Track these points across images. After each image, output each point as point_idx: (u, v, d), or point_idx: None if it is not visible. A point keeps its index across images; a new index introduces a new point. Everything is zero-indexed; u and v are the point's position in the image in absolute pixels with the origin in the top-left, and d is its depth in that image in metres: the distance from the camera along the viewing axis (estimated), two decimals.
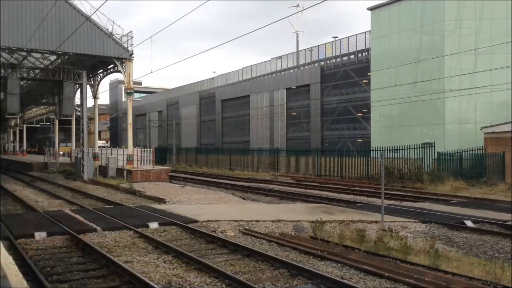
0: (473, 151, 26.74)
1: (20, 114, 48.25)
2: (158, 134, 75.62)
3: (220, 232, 11.77)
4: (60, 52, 28.24)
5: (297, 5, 56.83)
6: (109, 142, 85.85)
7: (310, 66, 48.68)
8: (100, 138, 72.63)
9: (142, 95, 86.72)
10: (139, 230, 11.85)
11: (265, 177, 33.25)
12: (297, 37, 57.39)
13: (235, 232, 11.89)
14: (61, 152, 32.91)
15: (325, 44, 46.84)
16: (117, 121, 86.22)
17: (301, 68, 49.90)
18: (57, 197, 20.84)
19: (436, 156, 26.98)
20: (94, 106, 35.32)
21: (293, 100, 50.41)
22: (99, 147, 40.18)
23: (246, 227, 12.37)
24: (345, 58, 44.01)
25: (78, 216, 13.86)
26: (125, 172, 28.90)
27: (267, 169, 37.71)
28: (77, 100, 38.03)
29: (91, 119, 48.13)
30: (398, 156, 27.70)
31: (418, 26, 35.11)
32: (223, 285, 7.58)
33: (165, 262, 9.00)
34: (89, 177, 30.17)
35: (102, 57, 29.54)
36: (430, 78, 31.54)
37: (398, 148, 28.08)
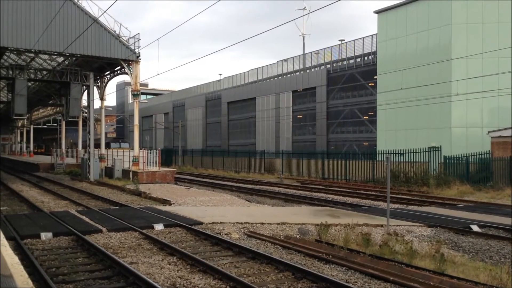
0: (480, 155, 26.61)
1: (27, 115, 48.54)
2: (164, 135, 75.85)
3: (225, 234, 11.77)
4: (67, 54, 28.38)
5: (304, 8, 56.95)
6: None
7: (316, 69, 48.68)
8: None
9: (148, 97, 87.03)
10: (144, 231, 11.88)
11: (271, 179, 33.24)
12: (303, 39, 57.48)
13: (240, 234, 11.89)
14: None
15: (332, 47, 46.85)
16: (124, 122, 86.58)
17: (307, 71, 49.91)
18: (63, 197, 20.93)
19: (442, 160, 26.87)
20: (101, 107, 35.46)
21: (299, 103, 50.42)
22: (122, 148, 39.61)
23: (251, 230, 12.36)
24: (352, 61, 43.97)
25: (83, 217, 13.92)
26: (131, 173, 28.97)
27: (273, 172, 37.69)
28: (84, 102, 38.20)
29: (98, 120, 48.38)
30: (404, 160, 27.60)
31: (425, 29, 35.04)
32: (228, 287, 7.58)
33: (170, 264, 9.02)
34: (95, 178, 30.28)
35: (109, 59, 29.66)
36: (436, 81, 31.44)
37: (404, 152, 27.97)
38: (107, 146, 46.00)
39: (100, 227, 12.34)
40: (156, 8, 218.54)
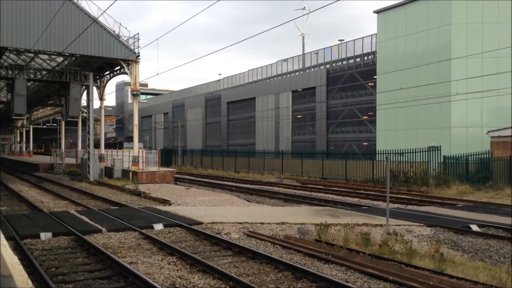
0: (479, 155, 26.62)
1: (27, 115, 48.51)
2: (164, 136, 75.84)
3: (225, 234, 11.77)
4: (67, 54, 28.37)
5: (303, 8, 56.93)
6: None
7: (316, 68, 48.68)
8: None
9: (148, 97, 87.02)
10: (144, 231, 11.88)
11: (270, 179, 33.23)
12: (303, 39, 57.44)
13: (239, 234, 11.89)
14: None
15: (331, 47, 46.86)
16: (123, 122, 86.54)
17: (307, 70, 49.92)
18: (63, 197, 20.93)
19: (442, 160, 26.87)
20: (100, 107, 35.46)
21: (299, 103, 50.42)
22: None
23: (251, 230, 12.37)
24: (351, 61, 43.98)
25: (83, 217, 13.92)
26: (130, 173, 28.96)
27: (272, 172, 37.69)
28: (84, 102, 38.19)
29: (97, 120, 48.36)
30: (404, 160, 27.61)
31: (424, 29, 35.05)
32: (227, 287, 7.59)
33: (169, 264, 9.03)
34: (94, 178, 30.27)
35: (109, 59, 29.65)
36: (436, 81, 31.45)
37: (404, 152, 27.98)
38: (120, 145, 45.72)
39: (99, 227, 12.34)
40: (156, 9, 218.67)
